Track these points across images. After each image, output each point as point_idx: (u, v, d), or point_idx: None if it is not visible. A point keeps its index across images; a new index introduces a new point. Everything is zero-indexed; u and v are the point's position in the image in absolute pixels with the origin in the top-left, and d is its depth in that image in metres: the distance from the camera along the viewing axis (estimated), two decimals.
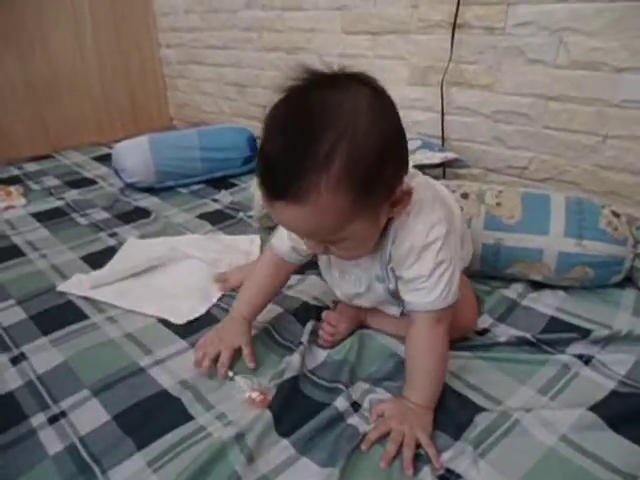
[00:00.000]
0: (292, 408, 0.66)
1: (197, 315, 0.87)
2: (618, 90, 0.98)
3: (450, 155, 1.07)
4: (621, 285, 0.90)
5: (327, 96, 0.52)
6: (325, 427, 0.63)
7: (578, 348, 0.75)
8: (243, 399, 0.68)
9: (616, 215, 0.87)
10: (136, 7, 2.14)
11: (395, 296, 0.71)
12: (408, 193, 0.59)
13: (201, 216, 1.31)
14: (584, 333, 0.77)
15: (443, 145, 1.29)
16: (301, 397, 0.69)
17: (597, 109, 1.02)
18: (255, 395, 0.68)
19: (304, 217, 0.53)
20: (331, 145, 0.49)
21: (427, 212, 0.63)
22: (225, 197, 1.43)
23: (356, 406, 0.67)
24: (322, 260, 0.79)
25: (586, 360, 0.73)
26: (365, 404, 0.67)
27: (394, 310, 0.78)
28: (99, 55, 2.08)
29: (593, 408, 0.63)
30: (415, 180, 0.64)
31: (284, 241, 0.75)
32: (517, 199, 0.91)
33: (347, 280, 0.74)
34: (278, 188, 0.52)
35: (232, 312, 0.80)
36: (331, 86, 0.53)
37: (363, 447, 0.61)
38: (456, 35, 1.17)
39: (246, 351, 0.74)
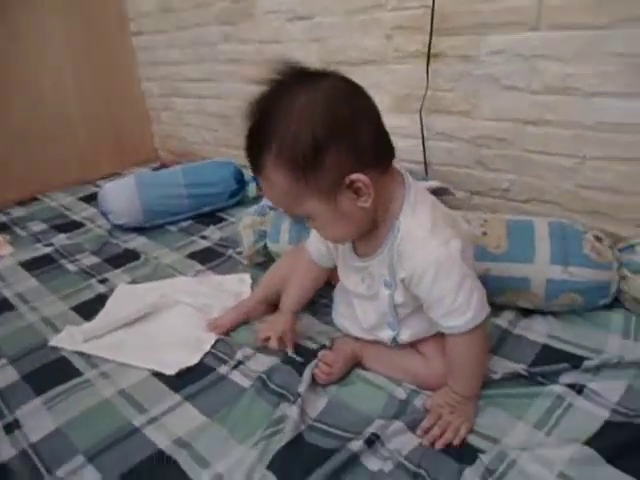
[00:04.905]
0: (298, 458, 0.66)
1: (190, 365, 0.86)
2: (592, 113, 1.00)
3: (433, 184, 1.08)
4: (610, 307, 0.91)
5: (286, 92, 0.61)
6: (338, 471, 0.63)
7: (570, 377, 0.76)
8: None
9: (599, 239, 0.88)
10: (116, 43, 2.15)
11: (395, 312, 0.75)
12: (367, 185, 0.61)
13: (191, 255, 1.31)
14: (576, 362, 0.77)
15: (426, 170, 1.31)
16: (307, 447, 0.68)
17: (574, 132, 1.04)
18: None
19: (267, 189, 0.66)
20: (272, 132, 0.60)
21: (441, 228, 0.65)
22: (214, 233, 1.43)
23: (371, 443, 0.67)
24: (341, 267, 0.81)
25: (579, 389, 0.73)
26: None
27: (387, 334, 0.78)
28: (81, 92, 2.07)
29: (589, 442, 0.64)
30: (423, 194, 0.70)
31: (312, 244, 0.86)
32: (502, 228, 0.92)
33: (365, 284, 0.76)
34: (251, 164, 0.65)
35: (281, 306, 0.92)
36: (295, 83, 0.62)
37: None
38: (432, 64, 1.19)
39: (287, 337, 0.87)
